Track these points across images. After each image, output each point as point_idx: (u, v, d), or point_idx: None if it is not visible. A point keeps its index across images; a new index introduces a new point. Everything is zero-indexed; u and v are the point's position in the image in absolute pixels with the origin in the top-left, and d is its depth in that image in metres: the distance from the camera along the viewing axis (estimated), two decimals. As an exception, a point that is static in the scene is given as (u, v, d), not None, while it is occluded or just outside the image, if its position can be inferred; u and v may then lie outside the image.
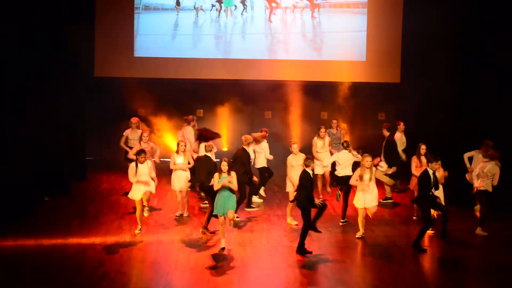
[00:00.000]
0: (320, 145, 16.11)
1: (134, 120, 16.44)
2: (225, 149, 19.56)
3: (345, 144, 14.73)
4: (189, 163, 14.53)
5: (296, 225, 13.99)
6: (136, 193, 13.39)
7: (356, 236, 13.44)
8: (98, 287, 11.02)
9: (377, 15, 20.18)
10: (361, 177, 13.27)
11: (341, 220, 14.43)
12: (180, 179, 14.52)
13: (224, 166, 12.63)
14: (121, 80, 19.81)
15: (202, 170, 13.83)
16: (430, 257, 12.83)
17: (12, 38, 14.75)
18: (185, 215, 14.68)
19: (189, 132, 16.69)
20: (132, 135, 16.21)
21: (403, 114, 19.42)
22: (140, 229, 13.44)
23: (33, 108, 15.30)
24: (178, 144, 14.61)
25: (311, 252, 12.60)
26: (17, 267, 11.67)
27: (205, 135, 15.29)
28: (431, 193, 12.99)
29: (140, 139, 15.43)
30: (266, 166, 15.97)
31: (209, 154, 14.11)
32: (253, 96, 19.75)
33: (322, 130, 16.19)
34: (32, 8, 15.34)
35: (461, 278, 11.89)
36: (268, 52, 20.34)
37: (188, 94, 20.00)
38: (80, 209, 15.12)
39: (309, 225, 12.67)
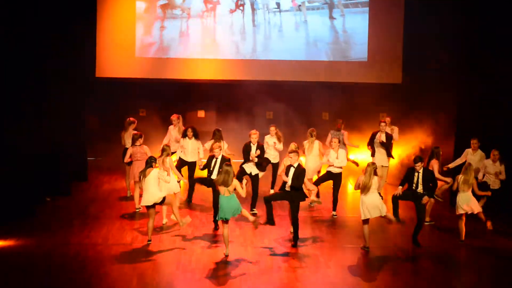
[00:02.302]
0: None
1: (131, 119, 16.39)
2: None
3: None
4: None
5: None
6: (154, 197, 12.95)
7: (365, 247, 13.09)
8: (99, 287, 11.01)
9: (379, 15, 20.19)
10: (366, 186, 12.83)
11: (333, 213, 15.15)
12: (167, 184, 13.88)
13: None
14: (122, 81, 19.84)
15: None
16: (428, 256, 12.83)
17: (13, 38, 14.73)
18: (163, 221, 14.13)
19: (174, 132, 16.56)
20: (127, 135, 16.17)
21: (404, 115, 19.42)
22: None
23: (34, 108, 15.28)
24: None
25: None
26: (18, 267, 11.65)
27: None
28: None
29: (133, 142, 15.16)
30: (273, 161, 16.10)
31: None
32: (255, 97, 19.75)
33: (308, 134, 15.73)
34: (33, 8, 15.32)
35: (461, 277, 11.89)
36: (269, 53, 20.33)
37: (190, 94, 20.01)
38: (81, 210, 15.12)
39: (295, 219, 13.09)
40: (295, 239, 13.08)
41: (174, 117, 16.67)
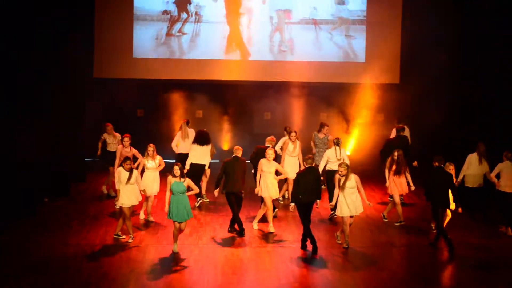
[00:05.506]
0: (291, 149, 15.39)
1: (109, 126, 16.31)
2: (225, 148, 19.63)
3: (335, 141, 14.95)
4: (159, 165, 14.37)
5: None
6: (125, 200, 13.08)
7: (344, 246, 13.06)
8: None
9: (377, 16, 20.19)
10: (342, 186, 12.85)
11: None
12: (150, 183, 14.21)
13: (176, 170, 12.42)
14: (120, 81, 19.84)
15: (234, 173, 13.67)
16: (428, 255, 12.87)
17: (12, 38, 14.74)
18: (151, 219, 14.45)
19: (109, 139, 16.35)
20: (110, 139, 16.15)
21: (402, 115, 19.43)
22: (132, 238, 13.14)
23: (33, 108, 15.28)
24: (147, 148, 14.33)
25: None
26: (17, 267, 11.65)
27: None
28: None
29: (120, 143, 15.25)
30: None
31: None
32: (253, 97, 19.76)
33: (293, 134, 15.41)
34: (33, 9, 15.32)
35: (460, 276, 11.92)
36: (268, 53, 20.34)
37: (187, 95, 20.01)
38: (80, 210, 15.12)
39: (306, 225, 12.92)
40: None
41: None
